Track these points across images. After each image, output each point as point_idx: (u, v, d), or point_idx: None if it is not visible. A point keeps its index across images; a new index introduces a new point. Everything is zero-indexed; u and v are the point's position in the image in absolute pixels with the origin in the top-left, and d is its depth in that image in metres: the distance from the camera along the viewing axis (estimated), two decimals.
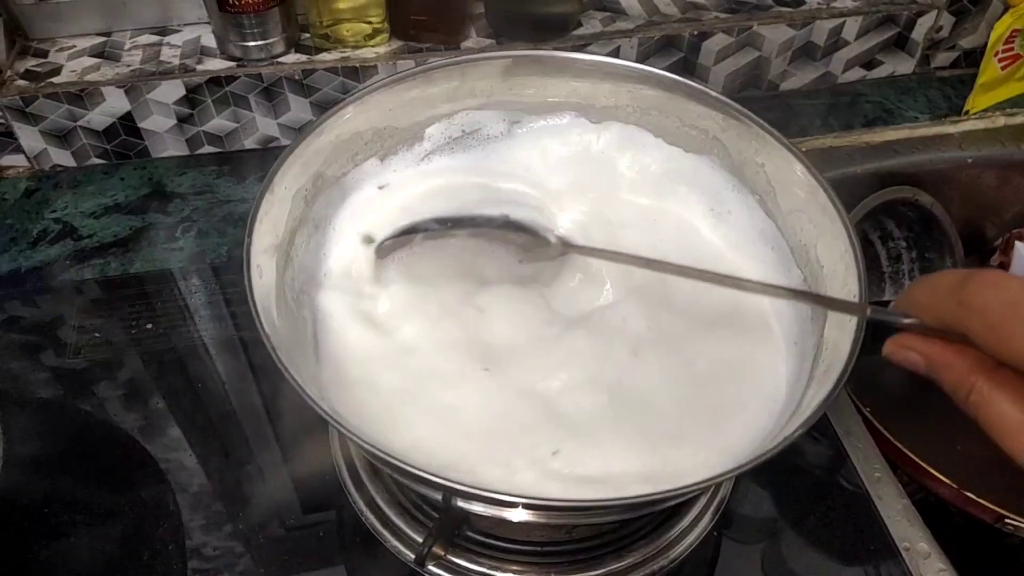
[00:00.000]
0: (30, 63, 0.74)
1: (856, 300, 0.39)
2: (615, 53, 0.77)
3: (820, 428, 0.57)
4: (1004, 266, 0.78)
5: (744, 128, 0.48)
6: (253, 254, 0.40)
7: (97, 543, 0.50)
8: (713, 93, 0.48)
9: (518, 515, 0.38)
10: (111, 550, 0.50)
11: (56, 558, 0.49)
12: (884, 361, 0.75)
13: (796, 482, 0.55)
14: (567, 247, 0.45)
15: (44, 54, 0.75)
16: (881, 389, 0.73)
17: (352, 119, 0.49)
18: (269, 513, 0.52)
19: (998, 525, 0.56)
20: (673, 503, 0.46)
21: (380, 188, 0.52)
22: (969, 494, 0.56)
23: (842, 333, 0.38)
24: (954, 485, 0.56)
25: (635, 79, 0.51)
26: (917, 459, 0.57)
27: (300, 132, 0.47)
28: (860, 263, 0.40)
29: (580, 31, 0.77)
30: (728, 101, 0.48)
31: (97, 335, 0.62)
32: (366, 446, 0.34)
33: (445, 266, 0.48)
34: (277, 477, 0.54)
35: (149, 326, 0.63)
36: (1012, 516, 0.56)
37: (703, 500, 0.49)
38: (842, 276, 0.41)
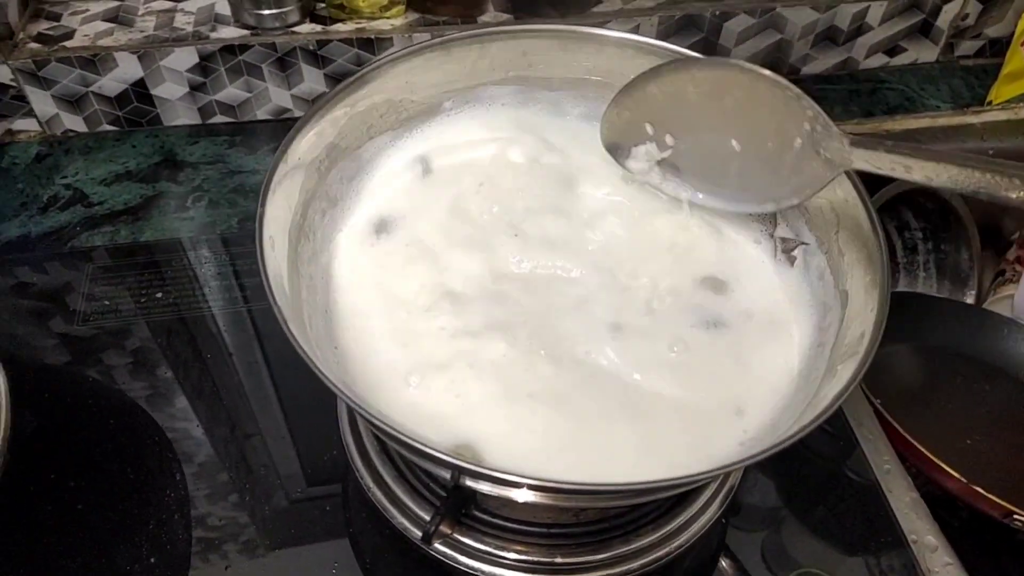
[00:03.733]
0: (43, 26, 0.73)
1: (878, 292, 0.38)
2: (635, 31, 0.75)
3: (832, 419, 0.56)
4: (1021, 260, 0.77)
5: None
6: (266, 224, 0.40)
7: (103, 509, 0.50)
8: (747, 65, 0.47)
9: (524, 495, 0.37)
10: (117, 517, 0.50)
11: (62, 523, 0.49)
12: (897, 354, 0.74)
13: (806, 472, 0.55)
14: None
15: (57, 17, 0.74)
16: (893, 382, 0.72)
17: (368, 91, 0.48)
18: (275, 485, 0.52)
19: (1006, 520, 0.56)
20: (681, 490, 0.46)
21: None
22: (978, 489, 0.56)
23: (864, 323, 0.37)
24: (963, 479, 0.56)
25: (656, 55, 0.50)
26: (927, 452, 0.56)
27: (314, 102, 0.46)
28: (884, 252, 0.39)
29: (600, 8, 0.75)
30: (756, 67, 0.47)
31: (106, 303, 0.62)
32: (375, 420, 0.34)
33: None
34: (283, 449, 0.54)
35: (159, 295, 0.62)
36: (1021, 512, 0.55)
37: (712, 488, 0.48)
38: (864, 264, 0.41)
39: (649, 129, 0.49)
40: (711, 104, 0.46)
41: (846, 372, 0.36)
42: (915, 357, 0.76)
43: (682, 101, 0.46)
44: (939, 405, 0.73)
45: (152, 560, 0.48)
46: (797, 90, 0.43)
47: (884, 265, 0.39)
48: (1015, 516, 0.56)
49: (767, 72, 0.44)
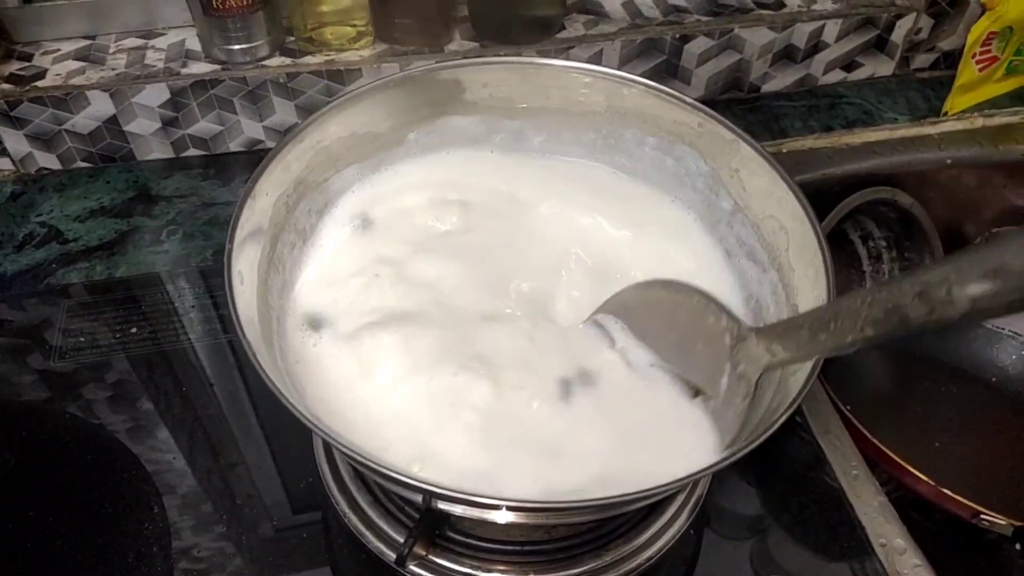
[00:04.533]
0: (15, 67, 0.74)
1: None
2: (598, 56, 0.77)
3: (801, 426, 0.58)
4: None
5: (717, 133, 0.49)
6: (234, 261, 0.41)
7: (82, 545, 0.51)
8: (688, 100, 0.49)
9: (497, 516, 0.38)
10: (96, 552, 0.50)
11: (42, 560, 0.50)
12: (864, 360, 0.76)
13: (775, 479, 0.56)
14: None
15: (29, 58, 0.75)
16: (860, 388, 0.74)
17: (333, 126, 0.49)
18: (259, 514, 0.53)
19: (974, 521, 0.57)
20: (648, 502, 0.47)
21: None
22: (946, 491, 0.57)
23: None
24: (932, 482, 0.57)
25: (613, 84, 0.52)
26: (896, 456, 0.58)
27: (282, 138, 0.48)
28: (829, 268, 0.40)
29: (563, 34, 0.77)
30: (700, 106, 0.49)
31: (83, 339, 0.63)
32: (345, 450, 0.35)
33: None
34: (266, 478, 0.55)
35: (133, 330, 0.63)
36: (988, 512, 0.57)
37: (680, 499, 0.49)
38: (812, 280, 0.42)
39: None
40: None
41: (795, 386, 0.37)
42: (882, 362, 0.78)
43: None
44: (907, 409, 0.74)
45: None
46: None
47: (830, 282, 0.40)
48: (983, 516, 0.57)
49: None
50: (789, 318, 0.41)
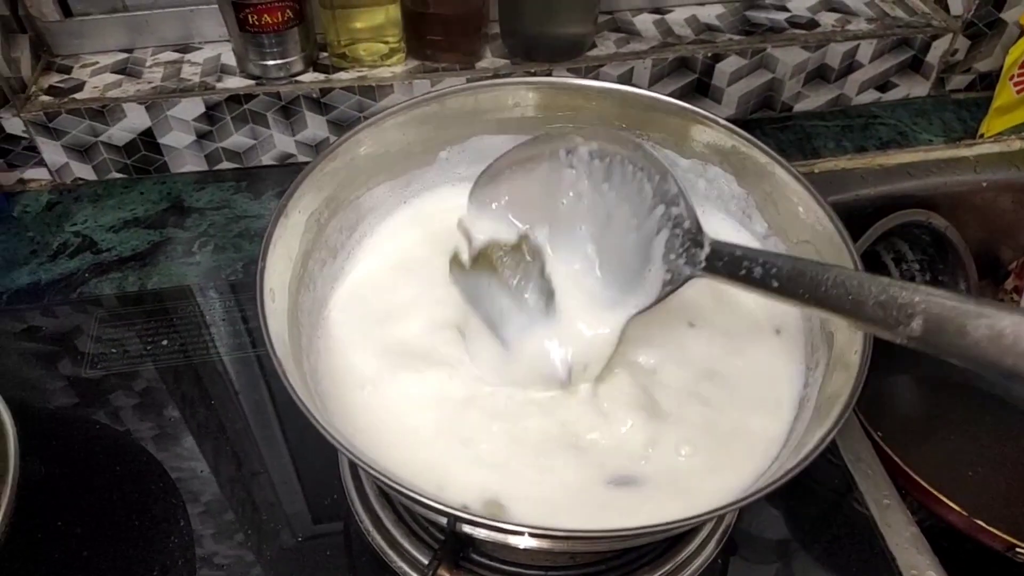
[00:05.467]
0: (54, 79, 0.75)
1: (862, 335, 0.39)
2: (629, 74, 0.77)
3: (832, 452, 0.57)
4: (1018, 290, 0.78)
5: (751, 156, 0.49)
6: (266, 278, 0.41)
7: (109, 556, 0.51)
8: (721, 121, 0.49)
9: (521, 542, 0.38)
10: (123, 563, 0.51)
11: (69, 571, 0.50)
12: (896, 386, 0.74)
13: (805, 507, 0.55)
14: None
15: (68, 70, 0.77)
16: (893, 414, 0.73)
17: (365, 144, 0.49)
18: (280, 525, 0.53)
19: (1009, 554, 0.56)
20: (674, 533, 0.46)
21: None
22: (980, 522, 0.56)
23: (848, 368, 0.38)
24: (965, 513, 0.56)
25: (644, 106, 0.51)
26: (928, 486, 0.56)
27: (315, 155, 0.48)
28: None
29: (594, 52, 0.77)
30: (735, 128, 0.48)
31: (114, 349, 0.63)
32: (374, 473, 0.35)
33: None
34: (289, 489, 0.55)
35: (164, 342, 0.64)
36: (1023, 545, 0.55)
37: (708, 527, 0.49)
38: None
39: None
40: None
41: (833, 413, 0.37)
42: (915, 389, 0.77)
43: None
44: (939, 437, 0.73)
45: None
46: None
47: None
48: (1017, 549, 0.56)
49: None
50: (748, 248, 0.41)
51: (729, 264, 0.40)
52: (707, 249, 0.40)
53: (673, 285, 0.42)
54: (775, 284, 0.37)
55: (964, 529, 0.57)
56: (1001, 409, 0.74)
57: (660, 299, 0.42)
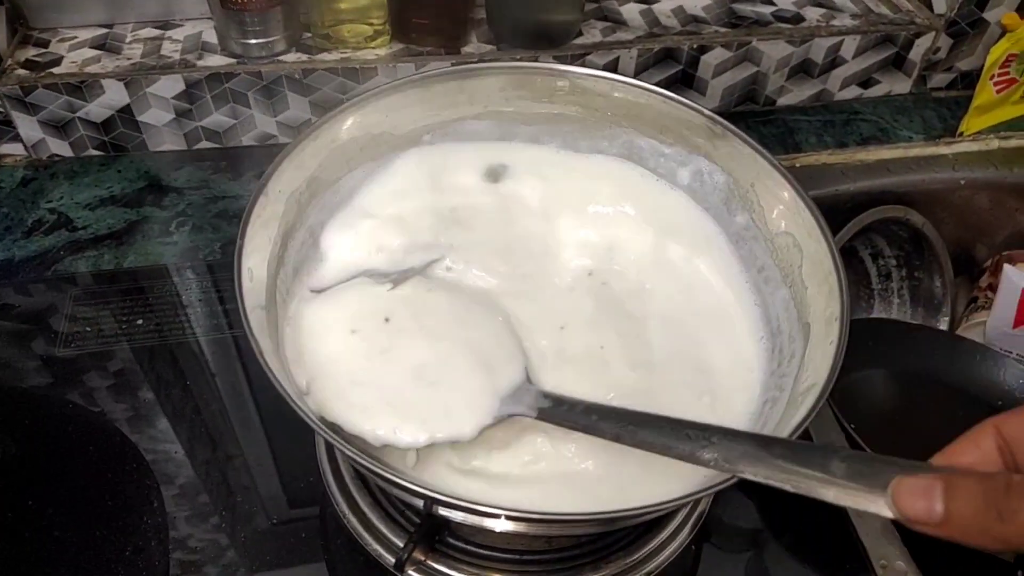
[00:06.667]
0: (31, 53, 0.74)
1: (838, 325, 0.39)
2: (614, 63, 0.77)
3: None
4: (993, 288, 0.79)
5: (733, 147, 0.49)
6: (245, 256, 0.41)
7: (81, 536, 0.50)
8: (706, 112, 0.49)
9: (498, 525, 0.38)
10: (95, 543, 0.50)
11: (40, 551, 0.50)
12: (871, 379, 0.75)
13: (776, 494, 0.56)
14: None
15: (45, 44, 0.75)
16: (867, 407, 0.74)
17: (348, 124, 0.49)
18: (253, 509, 0.53)
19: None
20: (651, 517, 0.47)
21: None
22: None
23: (824, 355, 0.39)
24: None
25: (630, 92, 0.51)
26: None
27: (296, 134, 0.47)
28: (844, 288, 0.40)
29: (580, 40, 0.77)
30: (718, 118, 0.48)
31: (88, 327, 0.62)
32: (350, 453, 0.35)
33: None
34: (265, 472, 0.55)
35: (139, 321, 0.63)
36: None
37: (682, 513, 0.49)
38: (825, 298, 0.42)
39: None
40: None
41: (807, 403, 0.37)
42: (889, 382, 0.78)
43: None
44: (912, 430, 0.74)
45: None
46: None
47: (844, 301, 0.40)
48: None
49: None
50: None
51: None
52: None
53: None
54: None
55: None
56: (971, 403, 0.76)
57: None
